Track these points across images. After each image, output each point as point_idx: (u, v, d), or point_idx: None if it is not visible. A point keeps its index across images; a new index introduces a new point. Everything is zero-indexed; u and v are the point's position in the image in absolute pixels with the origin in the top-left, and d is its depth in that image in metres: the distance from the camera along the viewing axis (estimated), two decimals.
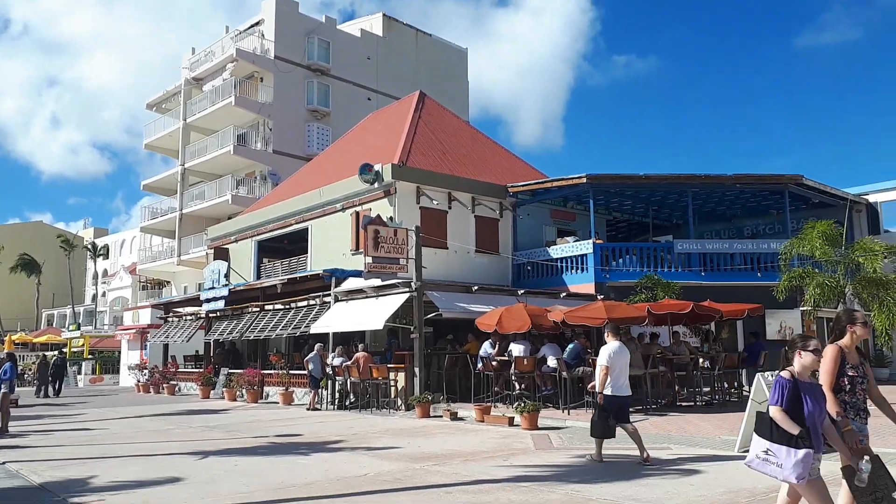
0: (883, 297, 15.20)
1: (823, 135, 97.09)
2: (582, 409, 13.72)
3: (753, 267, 20.89)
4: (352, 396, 16.79)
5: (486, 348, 15.34)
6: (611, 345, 8.73)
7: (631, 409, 12.95)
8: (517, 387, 14.99)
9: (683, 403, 15.25)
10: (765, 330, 20.39)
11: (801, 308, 19.71)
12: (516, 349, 14.84)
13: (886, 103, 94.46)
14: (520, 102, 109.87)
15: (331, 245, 22.15)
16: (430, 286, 16.74)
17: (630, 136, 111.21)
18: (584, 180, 21.14)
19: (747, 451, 8.78)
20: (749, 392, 10.37)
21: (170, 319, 27.41)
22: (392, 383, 15.96)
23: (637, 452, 8.22)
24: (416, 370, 15.53)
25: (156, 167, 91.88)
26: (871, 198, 25.06)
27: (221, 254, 26.02)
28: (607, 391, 8.47)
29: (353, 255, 20.67)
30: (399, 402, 15.69)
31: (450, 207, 21.56)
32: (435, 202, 20.72)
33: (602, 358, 8.65)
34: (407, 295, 16.16)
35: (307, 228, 23.55)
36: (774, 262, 19.74)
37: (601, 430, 8.51)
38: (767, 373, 9.07)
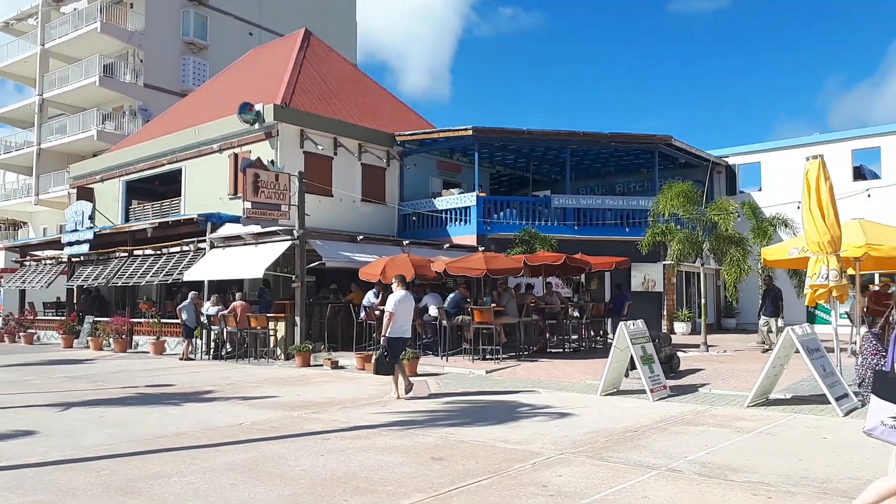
0: (733, 254, 16.62)
1: (693, 98, 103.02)
2: (460, 355, 14.18)
3: (623, 222, 22.16)
4: (228, 346, 16.39)
5: (370, 298, 15.41)
6: (397, 293, 9.69)
7: (504, 355, 13.74)
8: None
9: (553, 350, 16.12)
10: (630, 282, 21.81)
11: (664, 262, 21.20)
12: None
13: (749, 70, 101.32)
14: (408, 49, 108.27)
15: (206, 188, 21.17)
16: (314, 234, 16.48)
17: (515, 90, 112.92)
18: (471, 132, 21.37)
19: (610, 393, 9.59)
20: (613, 339, 11.11)
21: (27, 263, 25.34)
22: (271, 333, 15.73)
23: (513, 398, 8.66)
24: (297, 319, 15.36)
25: (8, 96, 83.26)
26: (731, 160, 27.07)
27: (85, 194, 24.24)
28: (391, 334, 9.45)
29: (230, 199, 19.92)
30: (278, 351, 15.51)
31: (335, 154, 21.16)
32: (320, 147, 20.25)
33: (389, 305, 9.61)
34: (288, 243, 15.83)
35: (181, 170, 22.35)
36: (641, 219, 21.02)
37: (387, 368, 9.50)
38: (629, 321, 9.78)
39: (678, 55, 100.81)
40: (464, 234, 21.33)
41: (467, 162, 25.38)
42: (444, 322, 14.20)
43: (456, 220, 21.86)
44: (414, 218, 22.68)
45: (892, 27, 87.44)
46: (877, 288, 14.36)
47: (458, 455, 6.03)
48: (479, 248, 18.99)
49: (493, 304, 14.14)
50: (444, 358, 13.90)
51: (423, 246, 19.34)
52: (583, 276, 19.01)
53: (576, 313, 17.17)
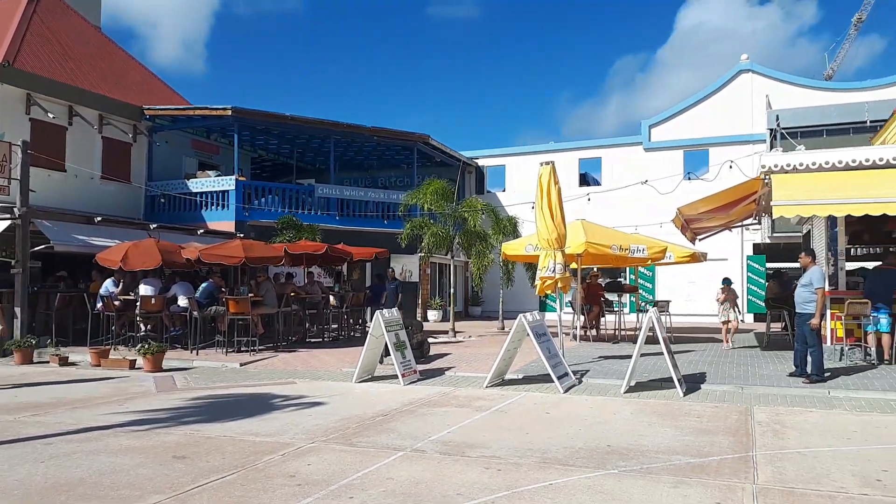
0: (479, 248, 18.04)
1: (448, 100, 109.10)
2: (212, 348, 13.54)
3: (383, 215, 22.84)
4: None
5: (109, 286, 14.05)
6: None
7: (261, 347, 13.40)
8: (142, 328, 14.11)
9: (313, 339, 16.12)
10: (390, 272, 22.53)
11: (420, 254, 22.25)
12: (144, 288, 13.89)
13: (496, 79, 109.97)
14: (158, 16, 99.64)
15: None
16: (40, 214, 14.54)
17: (278, 75, 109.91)
18: (230, 113, 20.41)
19: (364, 380, 9.87)
20: (370, 328, 11.42)
21: None
22: None
23: (267, 390, 8.48)
24: (18, 311, 13.45)
25: None
26: (480, 162, 29.24)
27: None
28: None
29: None
30: None
31: (70, 123, 18.85)
32: (51, 115, 17.85)
33: None
34: (7, 222, 13.77)
35: None
36: (404, 212, 21.86)
37: None
38: (385, 310, 10.14)
39: (436, 57, 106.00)
40: (221, 220, 20.35)
41: (226, 143, 24.22)
42: (196, 313, 13.44)
43: (212, 204, 20.76)
44: (163, 200, 21.07)
45: (610, 56, 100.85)
46: (588, 280, 16.55)
47: (202, 452, 5.79)
48: (238, 235, 18.28)
49: (250, 294, 13.71)
50: (195, 351, 13.16)
51: (173, 231, 18.08)
52: (345, 265, 19.23)
53: (336, 303, 17.32)
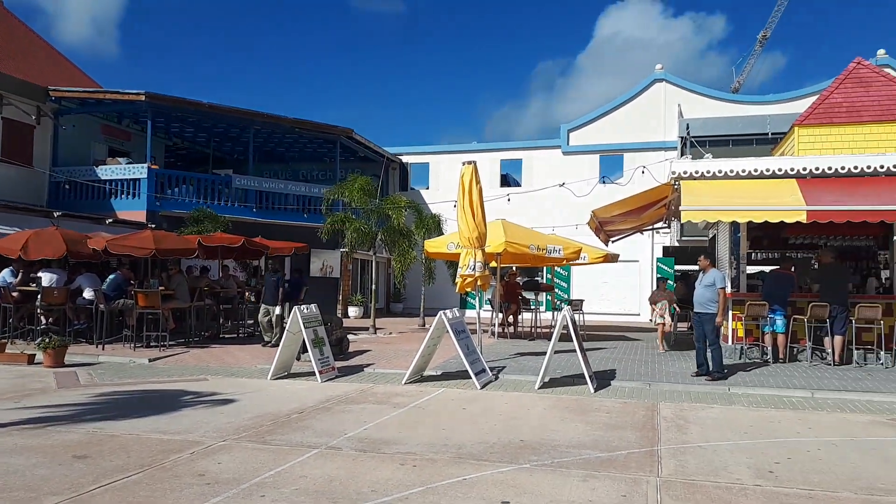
0: (401, 245, 18.04)
1: (375, 95, 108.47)
2: (119, 343, 12.97)
3: (304, 208, 22.47)
4: None
5: (6, 276, 13.22)
6: None
7: (172, 342, 12.94)
8: (43, 321, 13.35)
9: (227, 336, 15.68)
10: (309, 267, 22.23)
11: (341, 249, 22.02)
12: (46, 278, 13.14)
13: (423, 75, 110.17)
14: None
15: None
16: None
17: (197, 62, 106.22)
18: (143, 98, 19.58)
19: (281, 377, 9.68)
20: (287, 323, 11.22)
21: None
22: None
23: (178, 386, 8.20)
24: None
25: None
26: (405, 158, 29.24)
27: None
28: None
29: None
30: None
31: None
32: None
33: None
34: None
35: None
36: (322, 206, 21.58)
37: None
38: (304, 306, 9.99)
39: (361, 51, 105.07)
40: (131, 210, 19.51)
41: (139, 130, 23.21)
42: (102, 306, 12.82)
43: (123, 192, 19.86)
44: (68, 186, 19.99)
45: (532, 59, 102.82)
46: (507, 279, 16.87)
47: (106, 451, 5.54)
48: (149, 226, 17.55)
49: (161, 288, 13.20)
50: (101, 346, 12.56)
51: (79, 219, 17.19)
52: (262, 259, 18.80)
53: (252, 298, 16.90)
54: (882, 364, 11.10)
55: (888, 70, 20.28)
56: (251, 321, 16.81)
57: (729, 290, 10.68)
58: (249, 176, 22.34)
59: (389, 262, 23.61)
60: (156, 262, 14.96)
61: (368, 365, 11.04)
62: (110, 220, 17.99)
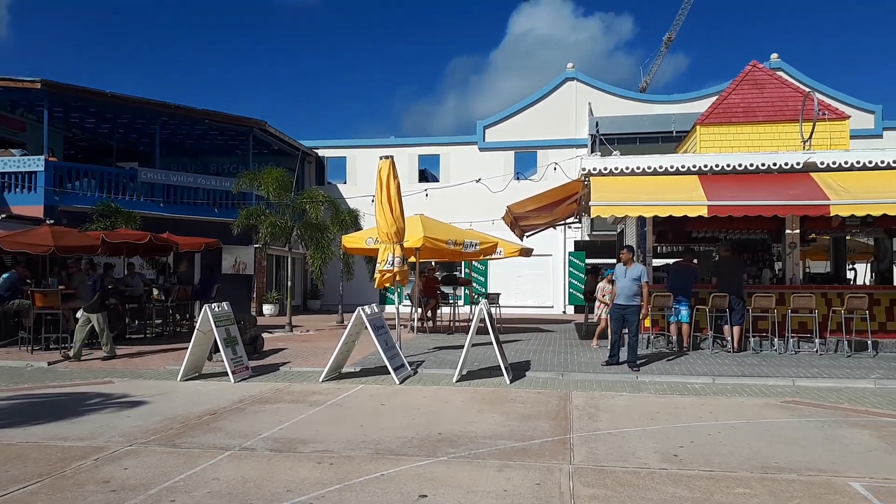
0: (319, 240, 17.77)
1: (290, 88, 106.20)
2: (15, 346, 12.20)
3: (215, 203, 21.78)
4: None
5: None
6: None
7: (73, 344, 12.24)
8: None
9: (134, 336, 15.03)
10: (221, 264, 21.55)
11: (255, 245, 21.50)
12: None
13: (339, 68, 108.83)
14: None
15: None
16: None
17: (99, 50, 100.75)
18: (39, 86, 18.44)
19: (191, 377, 9.36)
20: (198, 323, 10.85)
21: None
22: None
23: (81, 390, 7.78)
24: None
25: None
26: (321, 152, 28.80)
27: None
28: None
29: None
30: None
31: None
32: None
33: None
34: None
35: None
36: (235, 200, 20.99)
37: None
38: (215, 305, 9.69)
39: (276, 42, 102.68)
40: (27, 204, 18.37)
41: (34, 120, 21.84)
42: None
43: (17, 186, 18.67)
44: None
45: (447, 55, 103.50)
46: (426, 274, 16.95)
47: (1, 461, 5.21)
48: (47, 221, 16.52)
49: (60, 287, 12.47)
50: None
51: None
52: (170, 256, 18.08)
53: (161, 296, 16.23)
54: (776, 350, 11.86)
55: (781, 73, 21.66)
56: (160, 321, 16.17)
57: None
58: (156, 169, 21.42)
59: (306, 258, 23.24)
60: (55, 260, 14.13)
61: (284, 363, 10.84)
62: (4, 216, 16.84)
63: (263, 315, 23.08)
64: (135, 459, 5.30)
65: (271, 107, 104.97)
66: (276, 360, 11.31)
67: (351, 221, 19.30)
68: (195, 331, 9.52)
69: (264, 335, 13.32)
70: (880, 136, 24.97)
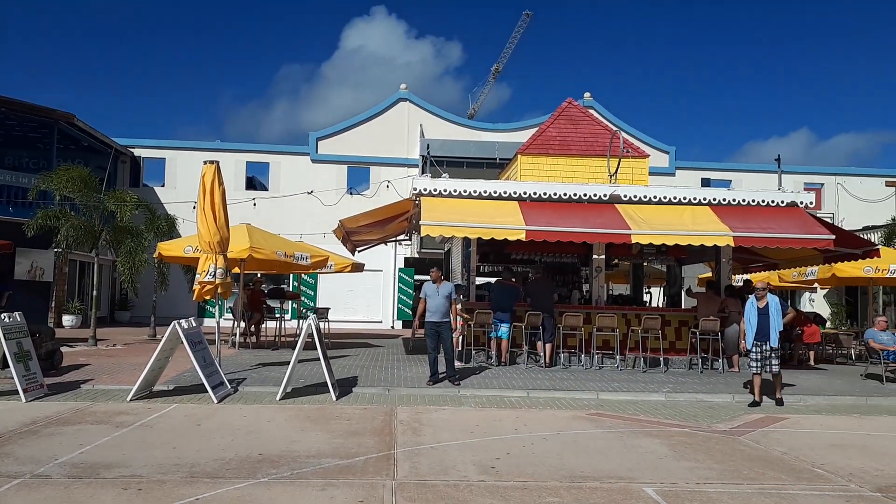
0: (130, 245, 16.45)
1: (102, 81, 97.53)
2: None
3: (9, 200, 19.46)
4: None
5: None
6: None
7: None
8: None
9: None
10: (14, 269, 19.25)
11: (55, 249, 19.45)
12: None
13: (157, 64, 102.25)
14: None
15: None
16: None
17: None
18: None
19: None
20: None
21: None
22: None
23: None
24: None
25: None
26: (137, 151, 26.81)
27: None
28: None
29: None
30: None
31: None
32: None
33: None
34: None
35: None
36: (36, 199, 18.85)
37: None
38: (5, 315, 8.64)
39: (84, 32, 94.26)
40: None
41: None
42: None
43: None
44: None
45: (276, 61, 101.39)
46: (251, 286, 16.37)
47: None
48: None
49: None
50: None
51: None
52: None
53: None
54: (583, 366, 12.88)
55: (592, 111, 23.70)
56: None
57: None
58: None
59: (115, 264, 21.41)
60: None
61: (87, 381, 9.90)
62: None
63: (63, 327, 20.86)
64: None
65: (84, 101, 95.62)
66: (78, 376, 10.29)
67: (167, 227, 18.10)
68: None
69: (64, 349, 12.06)
70: (673, 174, 28.19)
